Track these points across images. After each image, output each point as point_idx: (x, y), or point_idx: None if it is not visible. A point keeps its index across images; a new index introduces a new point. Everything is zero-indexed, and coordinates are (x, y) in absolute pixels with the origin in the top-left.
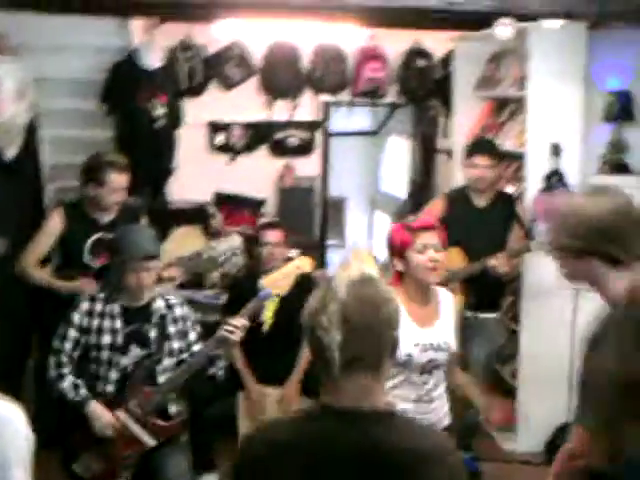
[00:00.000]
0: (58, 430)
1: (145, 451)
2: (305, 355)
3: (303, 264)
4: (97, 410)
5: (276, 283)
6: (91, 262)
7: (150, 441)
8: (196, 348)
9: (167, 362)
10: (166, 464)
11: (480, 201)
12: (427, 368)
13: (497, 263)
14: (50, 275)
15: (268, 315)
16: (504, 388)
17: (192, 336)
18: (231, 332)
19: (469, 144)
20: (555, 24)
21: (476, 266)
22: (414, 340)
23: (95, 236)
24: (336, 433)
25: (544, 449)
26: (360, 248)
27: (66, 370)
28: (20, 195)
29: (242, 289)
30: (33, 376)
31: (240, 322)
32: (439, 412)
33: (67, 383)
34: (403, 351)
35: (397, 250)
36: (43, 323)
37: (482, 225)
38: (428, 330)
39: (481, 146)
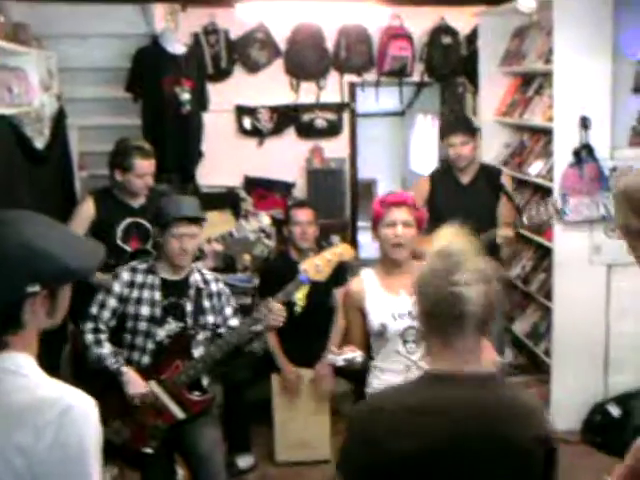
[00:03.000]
0: None
1: (175, 422)
2: (337, 335)
3: (344, 251)
4: (131, 377)
5: (317, 268)
6: (124, 245)
7: (180, 414)
8: (233, 322)
9: (201, 336)
10: (199, 436)
11: (464, 177)
12: (407, 336)
13: (506, 233)
14: None
15: (300, 297)
16: (538, 366)
17: (228, 311)
18: (266, 315)
19: (443, 124)
20: None
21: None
22: (388, 309)
23: (127, 220)
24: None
25: (581, 427)
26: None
27: (103, 337)
28: (51, 183)
29: (274, 272)
30: (69, 364)
31: (275, 306)
32: None
33: (107, 349)
34: (377, 321)
35: (373, 223)
36: (77, 312)
37: (467, 201)
38: (402, 298)
39: (454, 125)
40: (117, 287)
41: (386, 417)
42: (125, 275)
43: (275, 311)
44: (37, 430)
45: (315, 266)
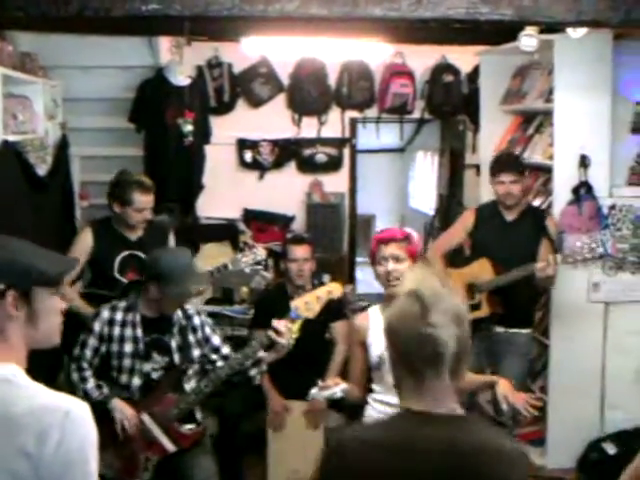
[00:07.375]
0: None
1: (166, 455)
2: (334, 369)
3: (334, 289)
4: (119, 404)
5: (307, 306)
6: (121, 278)
7: (171, 446)
8: (225, 351)
9: (191, 370)
10: (196, 466)
11: (509, 215)
12: None
13: (543, 266)
14: (79, 292)
15: (294, 330)
16: None
17: (216, 340)
18: (278, 333)
19: (493, 161)
20: (579, 33)
21: (515, 274)
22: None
23: (125, 253)
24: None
25: (576, 465)
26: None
27: (88, 374)
28: (52, 210)
29: (268, 303)
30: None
31: (286, 325)
32: None
33: (90, 384)
34: (376, 353)
35: (370, 261)
36: (71, 343)
37: (510, 238)
38: None
39: (505, 163)
40: (97, 326)
41: (361, 449)
42: (105, 313)
43: (283, 329)
44: (40, 435)
45: (305, 303)
